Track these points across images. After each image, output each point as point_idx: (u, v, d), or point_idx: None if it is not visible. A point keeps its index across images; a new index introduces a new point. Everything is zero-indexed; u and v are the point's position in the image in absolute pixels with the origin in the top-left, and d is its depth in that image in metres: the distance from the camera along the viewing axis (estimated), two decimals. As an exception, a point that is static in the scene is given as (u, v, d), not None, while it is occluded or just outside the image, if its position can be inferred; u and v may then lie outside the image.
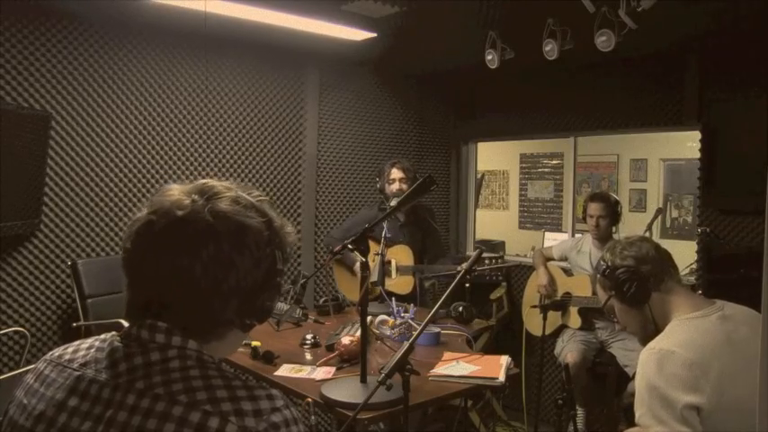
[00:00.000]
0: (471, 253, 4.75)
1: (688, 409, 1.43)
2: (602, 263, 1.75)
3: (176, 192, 0.88)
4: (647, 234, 4.21)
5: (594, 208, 3.57)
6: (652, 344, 1.57)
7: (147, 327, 0.84)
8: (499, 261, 3.18)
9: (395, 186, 3.45)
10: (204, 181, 0.92)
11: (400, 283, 3.43)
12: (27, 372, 0.94)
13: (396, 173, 3.48)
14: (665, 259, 1.70)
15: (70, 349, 0.90)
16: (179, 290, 0.84)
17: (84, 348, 0.89)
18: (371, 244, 2.52)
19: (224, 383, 0.80)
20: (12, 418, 0.86)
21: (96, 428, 0.78)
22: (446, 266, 3.40)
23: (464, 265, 3.18)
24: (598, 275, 1.77)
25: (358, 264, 3.43)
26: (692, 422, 1.43)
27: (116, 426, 0.76)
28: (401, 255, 3.45)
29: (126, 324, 0.89)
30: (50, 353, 0.92)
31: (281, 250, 0.93)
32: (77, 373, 0.84)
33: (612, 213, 3.57)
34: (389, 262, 3.39)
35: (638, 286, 1.65)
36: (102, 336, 0.90)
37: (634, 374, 3.23)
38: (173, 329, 0.84)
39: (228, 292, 0.85)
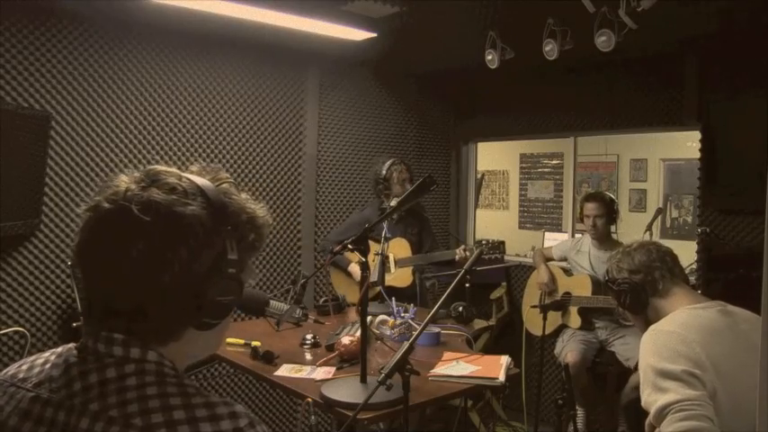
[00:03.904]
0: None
1: (688, 374, 1.45)
2: (605, 276, 1.87)
3: (117, 182, 0.82)
4: (648, 234, 4.21)
5: (590, 208, 3.59)
6: (653, 326, 1.63)
7: (103, 339, 0.79)
8: (497, 244, 3.18)
9: (407, 185, 3.48)
10: (152, 167, 0.85)
11: (399, 277, 3.44)
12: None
13: (405, 173, 3.54)
14: (661, 261, 1.76)
15: (25, 366, 0.85)
16: (117, 290, 0.79)
17: (39, 365, 0.84)
18: (371, 244, 2.53)
19: (182, 402, 0.75)
20: None
21: None
22: (444, 252, 3.43)
23: (462, 256, 3.24)
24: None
25: (352, 265, 3.45)
26: (695, 384, 1.44)
27: None
28: (398, 248, 3.46)
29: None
30: (3, 372, 0.86)
31: (236, 237, 0.84)
32: (31, 394, 0.79)
33: (609, 212, 3.59)
34: (387, 257, 3.41)
35: (632, 297, 1.75)
36: (59, 349, 0.85)
37: (636, 366, 3.26)
38: (130, 340, 0.79)
39: (166, 290, 0.78)
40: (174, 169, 0.85)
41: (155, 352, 0.80)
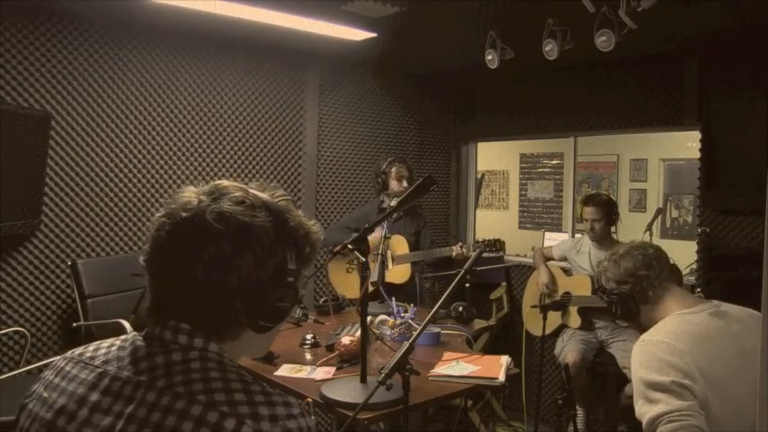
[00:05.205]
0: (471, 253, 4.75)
1: (677, 385, 1.46)
2: (594, 284, 1.84)
3: (188, 193, 0.90)
4: (648, 234, 4.21)
5: (588, 212, 3.57)
6: (643, 336, 1.64)
7: (170, 328, 0.86)
8: (494, 241, 3.20)
9: (404, 184, 3.50)
10: (218, 182, 0.92)
11: (397, 273, 3.46)
12: (28, 375, 0.94)
13: (404, 171, 3.56)
14: (647, 268, 1.74)
15: (91, 348, 0.92)
16: (185, 290, 0.86)
17: (104, 347, 0.91)
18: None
19: (242, 387, 0.81)
20: (32, 411, 0.87)
21: (116, 424, 0.79)
22: (441, 249, 3.44)
23: (458, 252, 3.25)
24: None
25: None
26: (685, 394, 1.45)
27: (135, 422, 0.78)
28: (397, 245, 3.48)
29: (127, 324, 0.90)
30: (71, 351, 0.93)
31: (295, 249, 0.92)
32: (99, 369, 0.86)
33: (607, 215, 3.57)
34: (385, 254, 3.43)
35: (623, 308, 1.76)
36: (124, 336, 0.92)
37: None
38: (195, 332, 0.86)
39: (231, 292, 0.85)
40: (238, 184, 0.92)
41: (216, 345, 0.87)
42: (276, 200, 0.93)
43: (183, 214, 0.86)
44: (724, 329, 1.59)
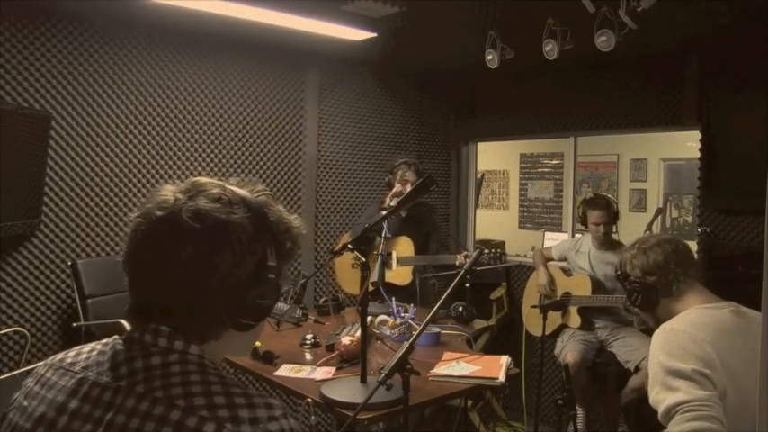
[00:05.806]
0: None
1: (698, 374, 1.45)
2: (617, 269, 1.86)
3: (164, 191, 0.88)
4: (648, 234, 4.20)
5: (598, 216, 3.57)
6: (664, 324, 1.63)
7: (150, 331, 0.84)
8: (498, 253, 3.19)
9: (407, 188, 3.48)
10: (195, 179, 0.90)
11: (399, 274, 3.45)
12: (27, 375, 0.93)
13: (408, 175, 3.54)
14: (676, 264, 1.74)
15: (72, 353, 0.91)
16: (163, 291, 0.85)
17: (85, 352, 0.90)
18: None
19: (223, 390, 0.80)
20: (12, 420, 0.86)
21: (96, 431, 0.78)
22: (444, 256, 3.44)
23: (461, 262, 3.26)
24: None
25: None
26: (705, 384, 1.44)
27: (115, 428, 0.77)
28: (402, 246, 3.47)
29: (127, 324, 0.89)
30: (52, 357, 0.92)
31: (275, 245, 0.90)
32: (79, 375, 0.85)
33: (612, 216, 3.59)
34: (390, 254, 3.43)
35: (643, 297, 1.75)
36: (105, 340, 0.91)
37: (635, 368, 3.27)
38: (175, 334, 0.84)
39: (211, 292, 0.84)
40: (216, 180, 0.91)
41: (196, 347, 0.85)
42: (255, 195, 0.91)
43: (159, 213, 0.84)
44: (744, 326, 1.59)
